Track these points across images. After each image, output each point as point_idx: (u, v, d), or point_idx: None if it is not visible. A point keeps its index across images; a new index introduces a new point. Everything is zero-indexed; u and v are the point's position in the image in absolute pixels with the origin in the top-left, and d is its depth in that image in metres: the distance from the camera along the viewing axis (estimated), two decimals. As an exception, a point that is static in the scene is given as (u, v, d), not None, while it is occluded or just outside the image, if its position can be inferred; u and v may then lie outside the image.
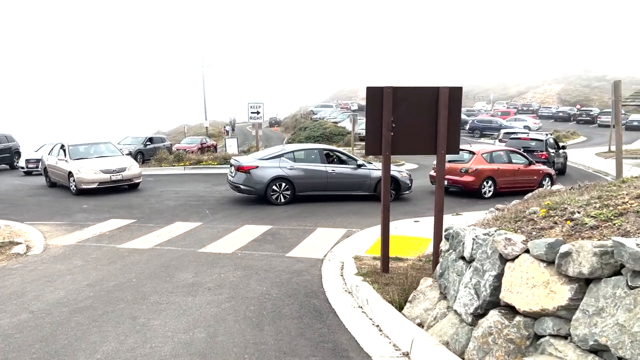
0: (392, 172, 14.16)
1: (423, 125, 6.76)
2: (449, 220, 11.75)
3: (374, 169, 14.35)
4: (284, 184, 13.43)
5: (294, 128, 60.48)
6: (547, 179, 17.03)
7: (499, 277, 3.93)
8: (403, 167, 15.01)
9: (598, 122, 55.29)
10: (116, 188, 16.61)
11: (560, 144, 22.54)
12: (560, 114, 62.16)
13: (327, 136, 39.58)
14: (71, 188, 16.12)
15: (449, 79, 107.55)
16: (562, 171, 21.49)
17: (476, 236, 4.37)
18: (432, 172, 16.49)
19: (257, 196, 13.94)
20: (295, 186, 13.49)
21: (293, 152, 13.98)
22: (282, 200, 13.48)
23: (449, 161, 16.11)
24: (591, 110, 60.21)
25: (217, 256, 8.85)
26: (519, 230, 4.21)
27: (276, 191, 13.42)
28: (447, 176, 15.67)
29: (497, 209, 7.12)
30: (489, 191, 15.60)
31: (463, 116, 54.71)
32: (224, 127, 63.13)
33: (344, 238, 10.26)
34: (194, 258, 8.73)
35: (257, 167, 13.36)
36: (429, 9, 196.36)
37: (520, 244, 3.79)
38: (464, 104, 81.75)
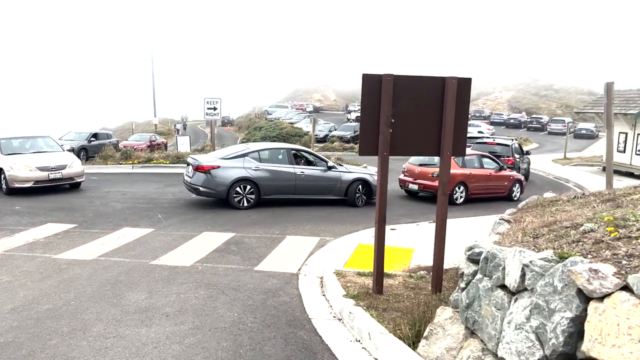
0: (363, 175, 13.22)
1: (426, 121, 5.77)
2: (430, 229, 10.89)
3: (345, 171, 13.34)
4: (248, 187, 12.20)
5: (247, 128, 58.88)
6: (517, 185, 16.56)
7: (577, 320, 2.94)
8: (372, 170, 14.05)
9: (548, 129, 56.68)
10: (55, 188, 14.83)
11: (524, 149, 22.31)
12: (512, 120, 63.35)
13: (284, 137, 38.42)
14: (2, 187, 14.28)
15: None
16: (525, 177, 21.19)
17: (531, 262, 3.37)
18: (402, 176, 15.67)
19: (218, 199, 12.64)
20: (261, 189, 12.28)
21: (258, 151, 12.76)
22: (246, 204, 12.24)
23: (420, 165, 15.35)
24: (541, 118, 61.72)
25: (174, 270, 7.57)
26: (589, 256, 3.25)
27: (239, 194, 12.17)
28: (417, 180, 14.90)
29: (506, 220, 6.21)
30: (461, 197, 14.90)
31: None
32: (175, 125, 60.63)
33: (317, 248, 9.17)
34: (146, 272, 7.41)
35: (218, 167, 12.06)
36: (382, 15, 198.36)
37: (612, 277, 2.80)
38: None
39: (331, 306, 6.11)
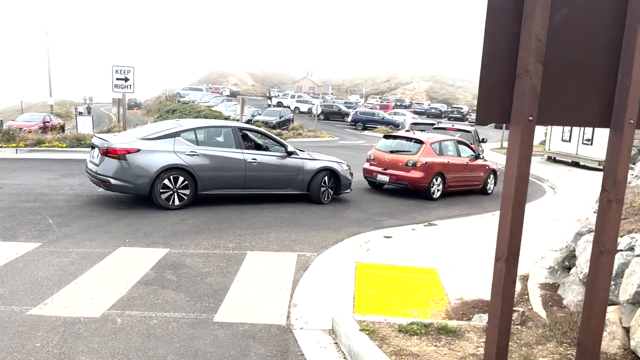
0: (330, 164, 10.33)
1: (594, 66, 2.92)
2: (433, 235, 8.25)
3: (309, 158, 10.30)
4: (181, 178, 8.80)
5: (158, 111, 53.93)
6: (492, 176, 14.40)
7: None
8: (336, 158, 11.13)
9: (469, 119, 56.85)
10: None
11: (481, 137, 20.48)
12: (433, 110, 63.27)
13: (204, 120, 34.46)
14: None
15: (317, 72, 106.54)
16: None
17: None
18: (367, 165, 12.93)
19: (137, 195, 9.15)
20: (199, 181, 8.93)
21: (195, 129, 9.33)
22: (177, 202, 8.85)
23: (391, 151, 12.68)
24: (462, 108, 62.18)
25: (71, 329, 4.27)
26: None
27: (169, 188, 8.75)
28: (387, 170, 12.24)
29: None
30: (438, 190, 12.42)
31: (343, 107, 52.77)
32: (76, 108, 53.74)
33: (300, 272, 6.14)
34: (16, 337, 4.05)
35: (138, 150, 8.54)
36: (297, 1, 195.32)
37: None
38: (338, 97, 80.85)
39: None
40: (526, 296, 5.64)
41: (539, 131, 49.11)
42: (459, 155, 13.25)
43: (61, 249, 6.49)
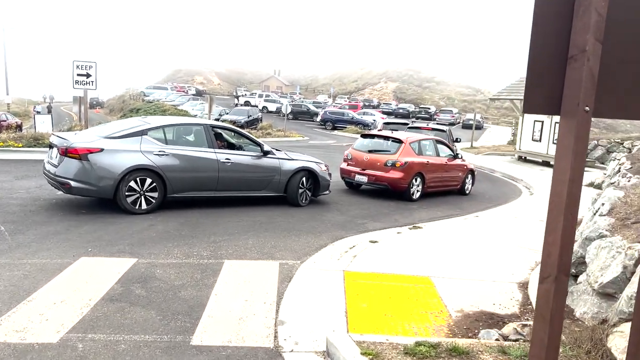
0: (308, 164, 9.81)
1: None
2: (420, 238, 7.81)
3: (286, 158, 9.74)
4: (149, 180, 8.11)
5: (121, 110, 52.25)
6: (470, 176, 14.13)
7: None
8: (309, 158, 10.60)
9: (437, 119, 57.13)
10: None
11: (454, 137, 20.27)
12: (401, 110, 63.23)
13: (170, 119, 33.39)
14: None
15: (284, 72, 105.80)
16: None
17: None
18: (345, 166, 12.46)
19: (100, 198, 8.42)
20: (168, 183, 8.26)
21: (163, 127, 8.63)
22: (145, 206, 8.16)
23: (369, 151, 12.25)
24: (429, 108, 62.42)
25: (23, 357, 3.62)
26: None
27: (135, 191, 8.06)
28: (366, 171, 11.80)
29: None
30: (418, 191, 12.04)
31: (312, 107, 52.25)
32: (34, 107, 51.48)
33: (284, 283, 5.60)
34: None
35: (101, 149, 7.80)
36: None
37: None
38: (306, 96, 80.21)
39: None
40: (530, 306, 5.25)
41: (507, 131, 49.77)
42: (437, 155, 12.91)
43: (14, 260, 5.76)
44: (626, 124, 49.85)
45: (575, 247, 5.21)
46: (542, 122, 24.48)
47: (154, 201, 8.23)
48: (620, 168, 17.27)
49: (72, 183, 7.75)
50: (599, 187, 17.53)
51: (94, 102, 63.82)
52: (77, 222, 7.56)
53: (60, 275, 5.37)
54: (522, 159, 25.52)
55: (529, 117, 25.50)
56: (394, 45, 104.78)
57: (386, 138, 12.38)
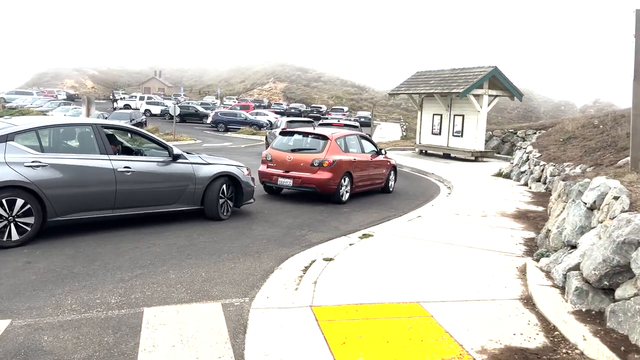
0: (228, 168, 8.22)
1: None
2: (377, 247, 6.52)
3: (202, 162, 7.94)
4: (20, 201, 5.96)
5: (-22, 119, 45.71)
6: (393, 173, 13.22)
7: None
8: (228, 161, 8.92)
9: (328, 118, 57.10)
10: None
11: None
12: (292, 109, 62.56)
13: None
14: None
15: (166, 73, 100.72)
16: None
17: None
18: (264, 168, 10.88)
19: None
20: (49, 204, 6.14)
21: (36, 130, 6.43)
22: (16, 236, 6.00)
23: (292, 150, 10.81)
24: (320, 107, 62.40)
25: None
26: None
27: (1, 217, 5.88)
28: (290, 173, 10.39)
29: None
30: (347, 192, 10.82)
31: (201, 108, 49.55)
32: None
33: (237, 338, 4.00)
34: None
35: (-56, 163, 5.55)
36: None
37: None
38: (191, 98, 76.74)
39: None
40: (557, 332, 4.14)
41: (397, 127, 50.86)
42: (363, 151, 11.81)
43: None
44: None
45: (607, 252, 4.19)
46: (441, 115, 24.63)
47: (29, 229, 6.09)
48: (529, 156, 17.52)
49: None
50: (507, 176, 17.63)
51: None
52: None
53: None
54: (423, 153, 25.55)
55: (428, 111, 25.60)
56: (281, 44, 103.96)
57: (309, 134, 11.01)
